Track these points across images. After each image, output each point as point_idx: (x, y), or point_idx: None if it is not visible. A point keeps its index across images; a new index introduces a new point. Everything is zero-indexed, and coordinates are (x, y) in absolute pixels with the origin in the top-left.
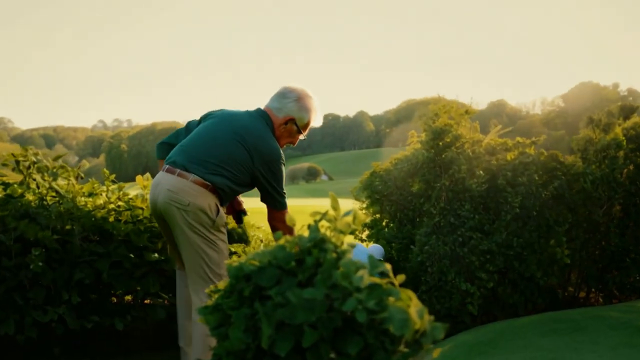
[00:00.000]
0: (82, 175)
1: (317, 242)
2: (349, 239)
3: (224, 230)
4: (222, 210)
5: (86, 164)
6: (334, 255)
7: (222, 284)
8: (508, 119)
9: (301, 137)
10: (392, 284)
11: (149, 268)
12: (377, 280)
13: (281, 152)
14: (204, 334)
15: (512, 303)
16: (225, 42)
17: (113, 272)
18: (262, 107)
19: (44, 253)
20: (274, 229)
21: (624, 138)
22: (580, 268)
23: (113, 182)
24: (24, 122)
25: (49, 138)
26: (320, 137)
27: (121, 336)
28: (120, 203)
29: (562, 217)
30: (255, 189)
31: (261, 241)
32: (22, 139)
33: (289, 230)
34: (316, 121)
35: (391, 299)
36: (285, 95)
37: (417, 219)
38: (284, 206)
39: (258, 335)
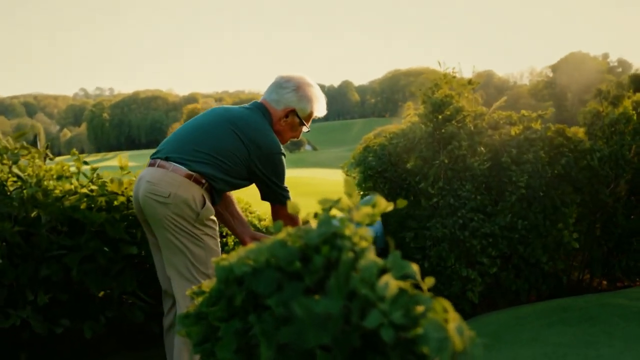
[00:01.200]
0: (51, 156)
1: (329, 238)
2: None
3: (213, 224)
4: (209, 202)
5: (67, 134)
6: (351, 254)
7: (207, 285)
8: (496, 90)
9: (304, 129)
10: (420, 288)
11: (126, 263)
12: (402, 284)
13: (280, 145)
14: (186, 349)
15: (514, 290)
16: (207, 11)
17: (84, 268)
18: (259, 100)
19: (5, 247)
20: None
21: (634, 112)
22: (585, 251)
23: (85, 162)
24: (3, 89)
25: (30, 106)
26: None
27: (95, 337)
28: (93, 187)
29: (570, 197)
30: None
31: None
32: (3, 107)
33: (296, 224)
34: (319, 110)
35: (421, 308)
36: (282, 85)
37: (412, 198)
38: (285, 199)
39: (253, 357)
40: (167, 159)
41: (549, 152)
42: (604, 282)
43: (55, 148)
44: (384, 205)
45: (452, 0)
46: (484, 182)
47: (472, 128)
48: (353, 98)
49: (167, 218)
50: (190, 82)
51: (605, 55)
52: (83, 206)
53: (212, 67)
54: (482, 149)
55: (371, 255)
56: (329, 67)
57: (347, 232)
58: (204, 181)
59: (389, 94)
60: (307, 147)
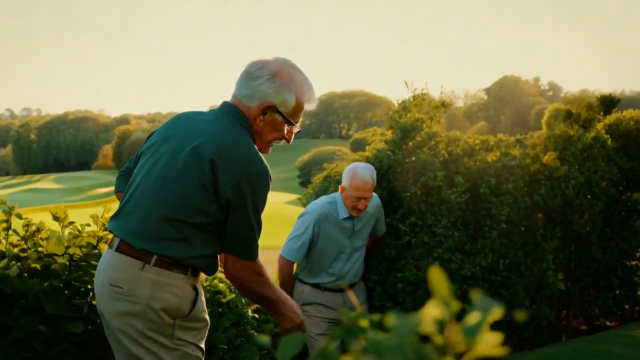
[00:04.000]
0: None
1: None
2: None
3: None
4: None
5: None
6: None
7: None
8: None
9: (295, 129)
10: None
11: (68, 344)
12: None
13: (263, 161)
14: None
15: None
16: (139, 31)
17: (14, 356)
18: (229, 99)
19: None
20: (241, 285)
21: (608, 136)
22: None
23: (18, 216)
24: None
25: None
26: None
27: None
28: (26, 245)
29: (550, 231)
30: None
31: None
32: None
33: (267, 287)
34: (308, 100)
35: None
36: (253, 75)
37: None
38: (256, 252)
39: None
40: (128, 244)
41: (528, 181)
42: (582, 325)
43: None
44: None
45: (384, 23)
46: (461, 216)
47: (447, 155)
48: None
49: (141, 338)
50: (122, 103)
51: (537, 79)
52: (12, 273)
53: (144, 88)
54: (460, 179)
55: None
56: None
57: None
58: (185, 265)
59: (323, 116)
60: None
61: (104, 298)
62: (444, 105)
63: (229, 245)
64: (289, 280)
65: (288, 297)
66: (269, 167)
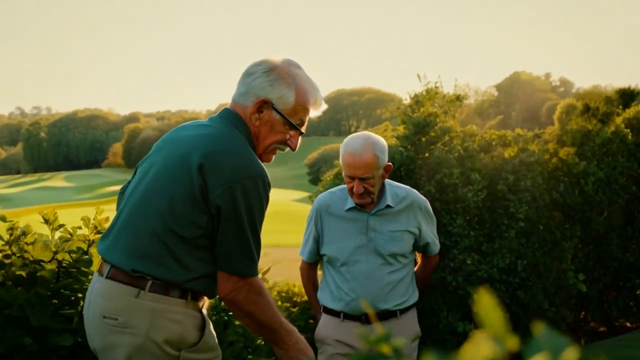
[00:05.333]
0: None
1: None
2: None
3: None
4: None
5: (2, 153)
6: None
7: None
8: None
9: (299, 133)
10: None
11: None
12: None
13: (259, 165)
14: None
15: None
16: (147, 29)
17: None
18: (229, 106)
19: None
20: (237, 308)
21: (627, 131)
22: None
23: (2, 219)
24: None
25: None
26: None
27: None
28: (10, 251)
29: (569, 229)
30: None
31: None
32: None
33: (269, 312)
34: (313, 104)
35: None
36: (249, 72)
37: None
38: (253, 268)
39: None
40: (123, 270)
41: (547, 177)
42: (601, 326)
43: None
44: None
45: (395, 19)
46: (477, 215)
47: (462, 151)
48: None
49: None
50: (131, 101)
51: (548, 75)
52: None
53: (154, 86)
54: (476, 176)
55: None
56: None
57: None
58: (186, 290)
59: (332, 113)
60: None
61: (97, 333)
62: (459, 98)
63: (219, 261)
64: (308, 282)
65: (295, 329)
66: (266, 172)
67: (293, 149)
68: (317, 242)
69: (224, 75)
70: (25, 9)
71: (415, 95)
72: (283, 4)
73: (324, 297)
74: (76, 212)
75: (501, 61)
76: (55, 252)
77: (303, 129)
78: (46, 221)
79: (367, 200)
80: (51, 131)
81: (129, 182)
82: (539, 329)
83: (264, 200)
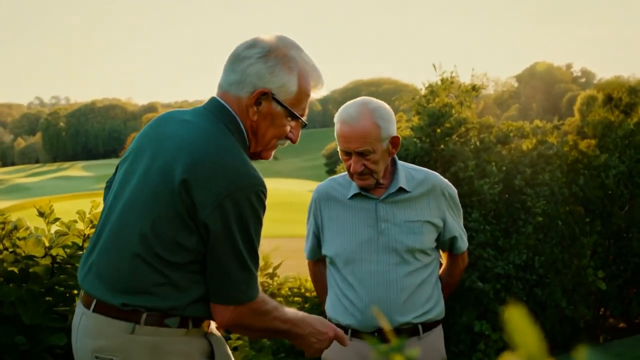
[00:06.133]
0: None
1: None
2: None
3: None
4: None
5: (21, 143)
6: None
7: None
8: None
9: (301, 123)
10: None
11: (50, 359)
12: None
13: (253, 172)
14: None
15: None
16: (164, 17)
17: None
18: (216, 94)
19: None
20: (241, 330)
21: None
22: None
23: None
24: None
25: None
26: None
27: None
28: (0, 247)
29: (589, 224)
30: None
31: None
32: None
33: (276, 321)
34: (315, 86)
35: None
36: (240, 56)
37: None
38: (253, 291)
39: None
40: (110, 304)
41: (566, 171)
42: (621, 322)
43: (9, 157)
44: None
45: (411, 11)
46: (493, 209)
47: (478, 143)
48: (315, 108)
49: None
50: (149, 91)
51: (569, 66)
52: None
53: (172, 76)
54: (493, 168)
55: None
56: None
57: None
58: (186, 318)
59: None
60: None
61: None
62: (475, 89)
63: (212, 291)
64: (316, 281)
65: (304, 316)
66: (261, 180)
67: (294, 142)
68: (318, 237)
69: None
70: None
71: (430, 86)
72: None
73: (330, 308)
74: (94, 202)
75: (521, 52)
76: (50, 248)
77: (305, 119)
78: (41, 214)
79: (370, 182)
80: (70, 121)
81: (114, 176)
82: (582, 355)
83: (260, 213)
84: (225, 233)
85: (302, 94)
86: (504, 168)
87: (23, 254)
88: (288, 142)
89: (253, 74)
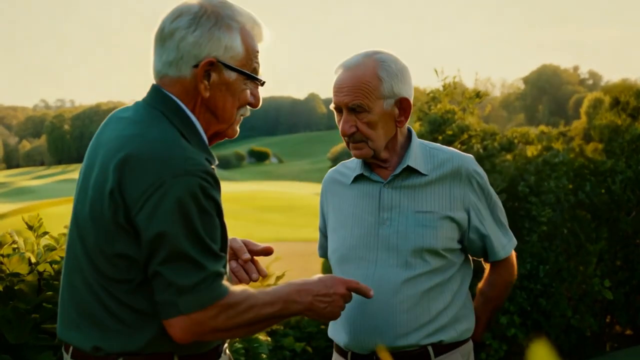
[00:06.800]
0: None
1: None
2: None
3: None
4: None
5: (26, 145)
6: None
7: None
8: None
9: (259, 84)
10: None
11: None
12: None
13: (192, 158)
14: None
15: None
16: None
17: None
18: (155, 81)
19: None
20: (222, 336)
21: None
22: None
23: None
24: None
25: None
26: (266, 120)
27: None
28: None
29: (595, 230)
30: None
31: None
32: None
33: (259, 308)
34: (258, 36)
35: None
36: (168, 31)
37: None
38: (216, 288)
39: None
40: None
41: (572, 177)
42: (627, 329)
43: (14, 160)
44: None
45: (416, 12)
46: None
47: (482, 151)
48: (320, 110)
49: None
50: None
51: (576, 68)
52: None
53: None
54: (496, 176)
55: None
56: (294, 79)
57: None
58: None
59: None
60: (273, 160)
61: None
62: (478, 95)
63: (163, 304)
64: None
65: (302, 282)
66: (204, 163)
67: (256, 106)
68: (325, 230)
69: None
70: (49, 3)
71: (432, 92)
72: None
73: (330, 322)
74: None
75: (528, 53)
76: (37, 264)
77: (262, 78)
78: (30, 227)
79: (367, 153)
80: (75, 124)
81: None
82: None
83: (203, 202)
84: (160, 229)
85: (251, 51)
86: (508, 176)
87: (7, 271)
88: (249, 111)
89: (189, 45)
